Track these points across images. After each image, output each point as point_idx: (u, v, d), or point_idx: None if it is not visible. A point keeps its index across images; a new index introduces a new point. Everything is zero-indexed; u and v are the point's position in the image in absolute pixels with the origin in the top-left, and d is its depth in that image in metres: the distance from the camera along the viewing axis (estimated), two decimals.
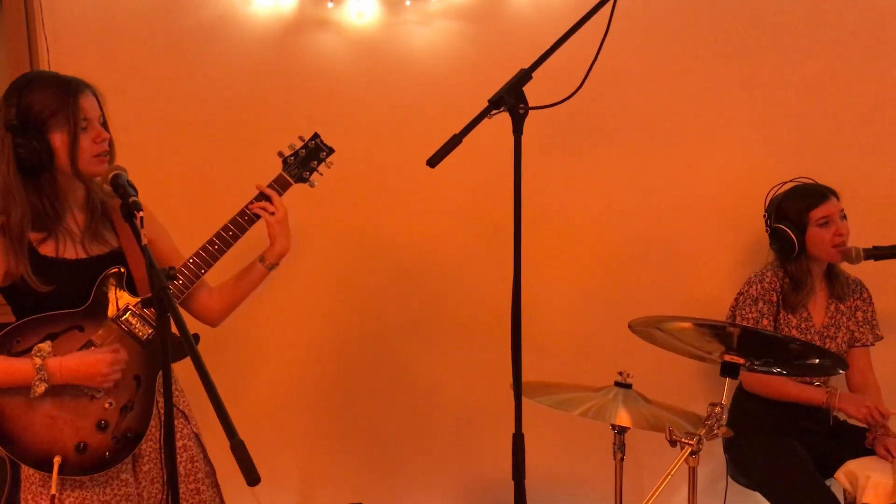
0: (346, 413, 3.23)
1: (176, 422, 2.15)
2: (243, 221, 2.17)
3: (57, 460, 1.92)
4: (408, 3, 3.03)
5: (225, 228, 2.16)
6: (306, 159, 2.28)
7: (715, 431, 1.91)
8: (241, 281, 2.24)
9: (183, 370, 2.04)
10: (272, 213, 2.18)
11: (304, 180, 2.29)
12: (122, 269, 2.07)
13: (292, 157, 2.27)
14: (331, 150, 2.32)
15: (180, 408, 2.19)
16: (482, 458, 3.21)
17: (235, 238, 2.16)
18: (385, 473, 3.26)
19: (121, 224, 2.12)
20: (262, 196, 2.20)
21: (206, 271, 2.14)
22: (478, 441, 3.20)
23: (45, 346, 1.95)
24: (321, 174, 2.32)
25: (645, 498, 1.92)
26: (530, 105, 1.89)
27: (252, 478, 1.39)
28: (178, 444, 2.14)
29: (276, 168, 2.26)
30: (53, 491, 1.92)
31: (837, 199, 2.80)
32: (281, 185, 2.23)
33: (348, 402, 3.23)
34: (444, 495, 3.29)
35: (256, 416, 3.07)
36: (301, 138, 2.30)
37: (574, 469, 3.19)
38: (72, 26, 3.00)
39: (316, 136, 2.31)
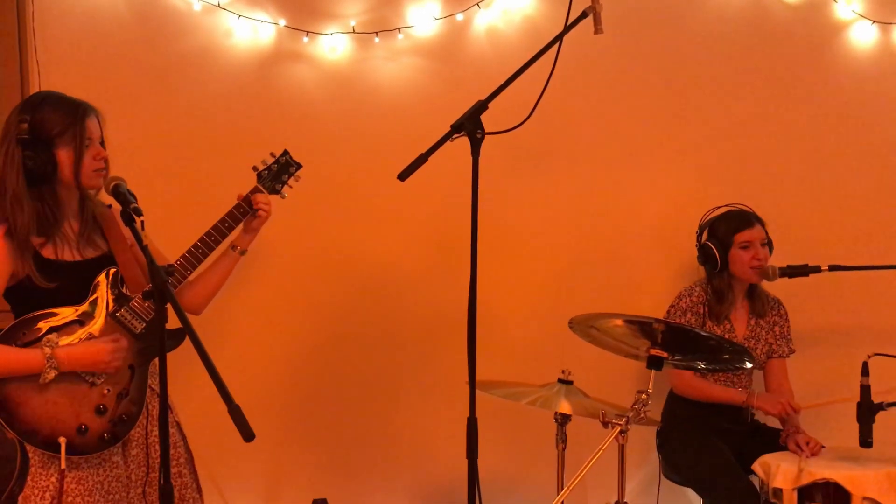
0: (309, 414, 3.44)
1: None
2: (224, 227, 2.40)
3: (63, 440, 2.12)
4: (376, 40, 3.33)
5: (208, 234, 2.38)
6: (278, 173, 2.54)
7: (641, 415, 2.20)
8: (217, 268, 2.48)
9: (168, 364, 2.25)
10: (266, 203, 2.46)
11: (277, 192, 2.55)
12: (116, 270, 2.28)
13: (266, 171, 2.53)
14: (299, 166, 2.58)
15: None
16: (438, 454, 3.42)
17: (217, 242, 2.40)
18: (347, 471, 3.45)
19: (110, 231, 2.33)
20: (246, 203, 2.44)
21: (191, 272, 2.37)
22: (434, 438, 3.42)
23: (53, 336, 2.15)
24: (291, 187, 2.57)
25: (581, 479, 2.18)
26: (487, 131, 2.20)
27: (247, 434, 1.64)
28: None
29: (251, 184, 2.51)
30: (63, 466, 2.11)
31: (763, 226, 3.13)
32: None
33: (312, 403, 3.43)
34: (404, 489, 3.49)
35: (224, 417, 3.27)
36: (272, 154, 2.56)
37: (520, 461, 3.44)
38: (62, 53, 3.21)
39: (285, 152, 2.57)
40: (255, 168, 2.52)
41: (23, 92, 3.26)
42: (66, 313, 2.20)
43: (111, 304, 2.26)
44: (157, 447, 2.29)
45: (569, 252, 3.49)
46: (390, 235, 3.43)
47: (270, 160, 2.54)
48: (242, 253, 2.50)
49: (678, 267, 3.44)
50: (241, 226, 2.46)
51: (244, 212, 2.45)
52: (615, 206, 3.49)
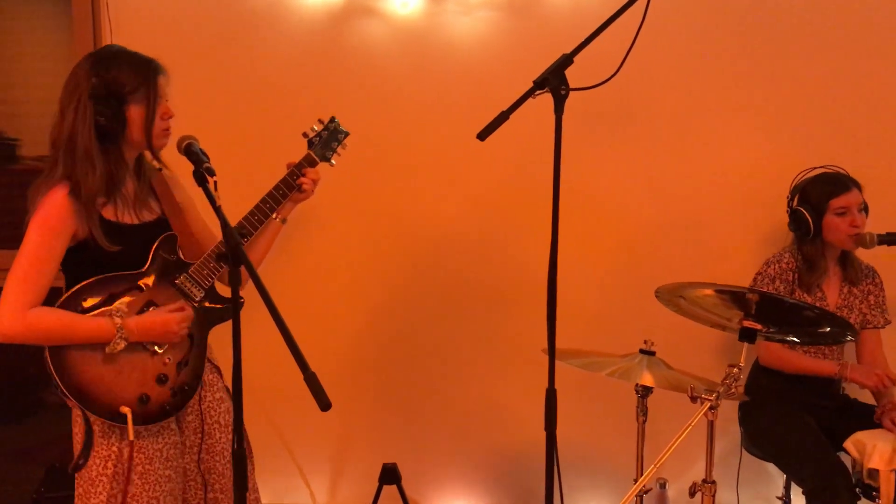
0: (380, 380, 3.42)
1: (212, 376, 2.32)
2: (278, 195, 2.32)
3: (127, 410, 2.06)
4: None
5: (263, 201, 2.30)
6: (328, 140, 2.44)
7: (732, 390, 2.08)
8: (261, 238, 2.38)
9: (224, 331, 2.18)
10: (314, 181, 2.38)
11: (327, 160, 2.45)
12: (174, 236, 2.21)
13: (317, 138, 2.43)
14: (346, 133, 2.48)
15: (215, 363, 2.35)
16: (510, 423, 3.39)
17: (272, 210, 2.31)
18: (418, 438, 3.44)
19: (163, 194, 2.27)
20: (299, 170, 2.36)
21: (248, 239, 2.30)
22: (506, 407, 3.38)
23: (123, 306, 2.09)
24: (339, 154, 2.47)
25: (664, 451, 2.09)
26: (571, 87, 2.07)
27: (324, 403, 1.58)
28: (217, 395, 2.31)
29: (304, 148, 2.42)
30: (131, 437, 2.07)
31: (860, 190, 2.93)
32: (309, 163, 2.39)
33: (382, 369, 3.42)
34: (475, 458, 3.46)
35: (297, 382, 3.26)
36: (320, 121, 2.44)
37: (598, 433, 3.37)
38: (134, 12, 3.22)
39: (333, 119, 2.47)
40: (305, 134, 2.43)
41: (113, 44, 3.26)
42: (127, 278, 2.13)
43: (171, 271, 2.20)
44: (212, 413, 2.29)
45: (650, 217, 3.36)
46: (464, 197, 3.35)
47: (319, 127, 2.45)
48: (283, 222, 2.40)
49: (764, 233, 3.29)
50: None
51: (298, 178, 2.37)
52: (700, 167, 3.34)
